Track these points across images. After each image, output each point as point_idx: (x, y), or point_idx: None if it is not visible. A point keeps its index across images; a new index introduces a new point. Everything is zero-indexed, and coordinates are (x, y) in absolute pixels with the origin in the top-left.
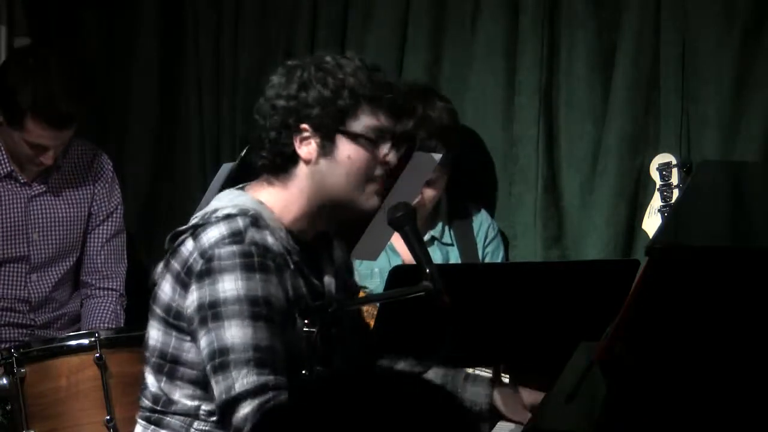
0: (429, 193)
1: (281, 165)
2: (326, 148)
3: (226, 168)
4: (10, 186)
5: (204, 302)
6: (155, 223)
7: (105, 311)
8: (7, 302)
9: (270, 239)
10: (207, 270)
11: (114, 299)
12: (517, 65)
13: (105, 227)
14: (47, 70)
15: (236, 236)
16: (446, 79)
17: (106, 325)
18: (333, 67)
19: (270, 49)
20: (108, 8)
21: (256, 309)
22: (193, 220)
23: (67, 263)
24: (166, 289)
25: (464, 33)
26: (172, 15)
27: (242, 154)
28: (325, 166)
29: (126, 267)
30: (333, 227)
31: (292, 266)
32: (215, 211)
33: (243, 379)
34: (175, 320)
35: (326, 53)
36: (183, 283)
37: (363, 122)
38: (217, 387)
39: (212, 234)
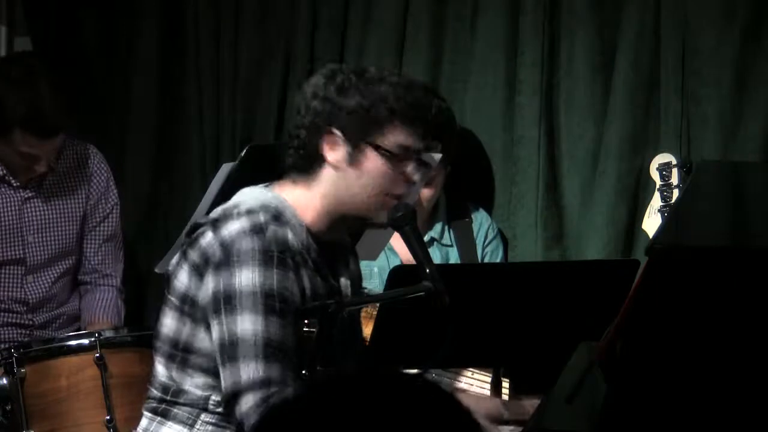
0: (426, 192)
1: (306, 165)
2: (353, 157)
3: (226, 168)
4: (3, 190)
5: (219, 293)
6: (155, 223)
7: (106, 304)
8: (5, 304)
9: (290, 235)
10: (225, 261)
11: (114, 294)
12: (517, 65)
13: (102, 228)
14: (33, 80)
15: (257, 230)
16: (446, 79)
17: (108, 317)
18: (374, 78)
19: (270, 49)
20: (108, 8)
21: (270, 303)
22: (213, 215)
23: (64, 264)
24: (182, 278)
25: (464, 33)
26: (172, 15)
27: (242, 154)
28: (350, 174)
29: (123, 265)
30: (344, 234)
31: (311, 264)
32: (237, 205)
33: (250, 373)
34: (190, 309)
35: (370, 64)
36: (200, 273)
37: (393, 138)
38: (225, 379)
39: (233, 227)
